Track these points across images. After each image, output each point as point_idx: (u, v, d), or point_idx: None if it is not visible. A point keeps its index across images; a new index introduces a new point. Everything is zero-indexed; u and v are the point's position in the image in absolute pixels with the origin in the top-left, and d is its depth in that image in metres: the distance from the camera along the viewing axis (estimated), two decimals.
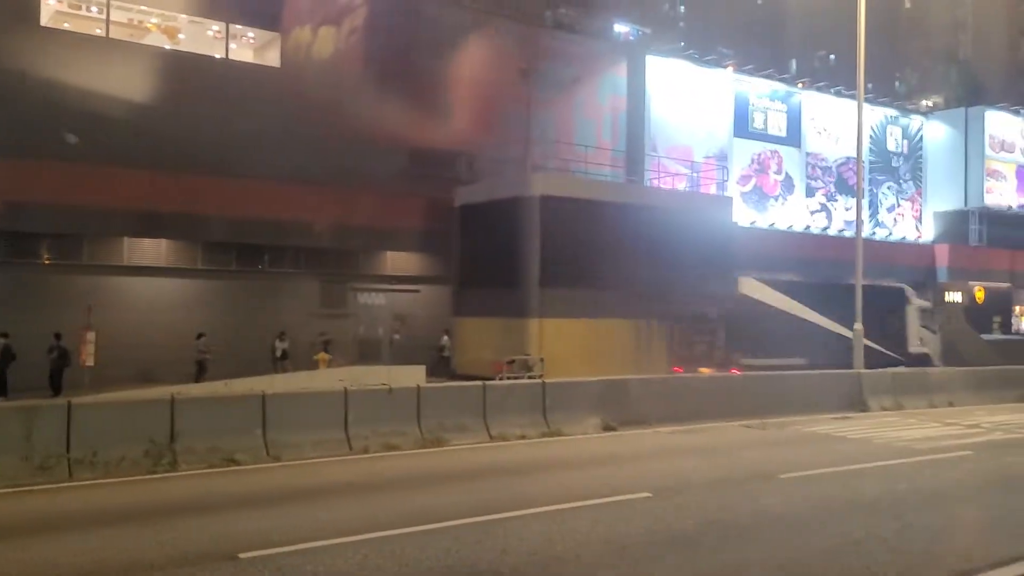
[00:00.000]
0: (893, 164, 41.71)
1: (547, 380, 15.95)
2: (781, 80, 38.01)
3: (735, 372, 22.45)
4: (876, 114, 40.40)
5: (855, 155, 23.56)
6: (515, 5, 31.20)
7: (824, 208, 38.95)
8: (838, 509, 9.16)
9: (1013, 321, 41.73)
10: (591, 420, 14.80)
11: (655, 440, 14.16)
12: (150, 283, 24.28)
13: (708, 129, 35.47)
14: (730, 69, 36.17)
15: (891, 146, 41.67)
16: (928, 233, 42.40)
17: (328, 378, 19.51)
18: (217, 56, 25.31)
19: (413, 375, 18.79)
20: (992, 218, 42.14)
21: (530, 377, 20.85)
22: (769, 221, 36.78)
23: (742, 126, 36.50)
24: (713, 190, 32.12)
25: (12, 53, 22.23)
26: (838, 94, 38.81)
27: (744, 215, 34.87)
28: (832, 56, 43.81)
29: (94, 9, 24.06)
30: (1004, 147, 42.40)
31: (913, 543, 7.78)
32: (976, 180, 41.37)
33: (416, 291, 28.46)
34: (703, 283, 25.80)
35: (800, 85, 38.56)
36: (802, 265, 34.74)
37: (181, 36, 25.36)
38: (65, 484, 10.11)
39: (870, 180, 39.79)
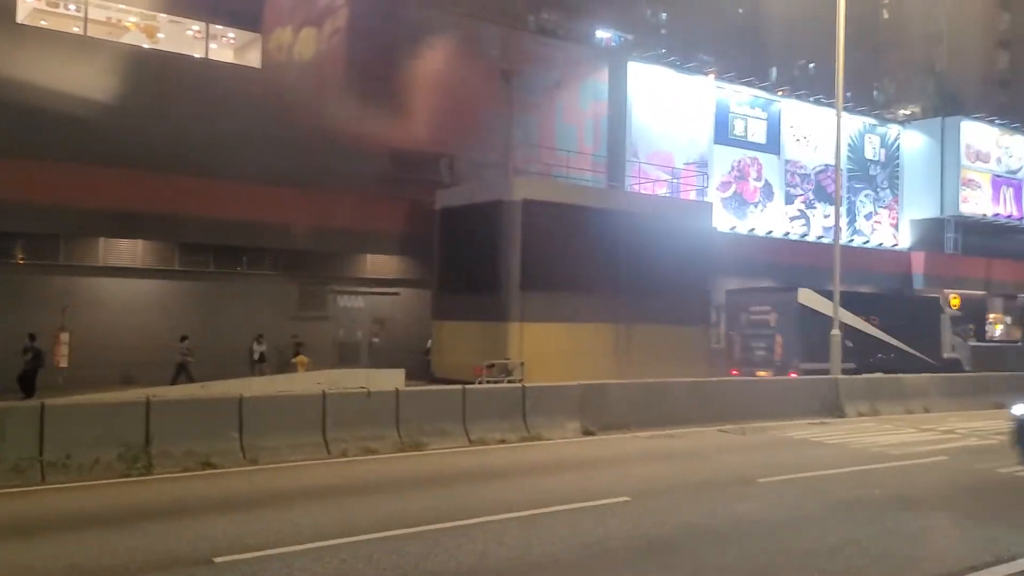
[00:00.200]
0: (871, 172, 42.08)
1: (527, 384, 15.92)
2: (761, 88, 38.27)
3: (792, 375, 23.48)
4: (854, 123, 40.74)
5: (833, 163, 23.86)
6: (498, 9, 31.27)
7: (803, 215, 39.22)
8: (815, 514, 9.20)
9: (987, 328, 42.17)
10: (571, 424, 14.79)
11: (634, 444, 14.17)
12: (126, 284, 24.04)
13: (689, 135, 35.63)
14: (711, 76, 36.37)
15: (869, 154, 42.03)
16: (905, 241, 42.80)
17: (306, 381, 19.41)
18: (197, 56, 25.14)
19: (392, 378, 18.71)
20: (967, 227, 42.61)
21: (510, 381, 20.81)
22: (749, 227, 36.99)
23: (722, 133, 36.69)
24: (693, 196, 32.25)
25: None
26: (817, 102, 39.12)
27: (724, 221, 35.05)
28: (812, 65, 44.31)
29: (72, 7, 23.83)
30: (979, 157, 42.88)
31: (890, 547, 7.82)
32: (952, 189, 41.81)
33: (396, 294, 28.37)
34: (683, 288, 26.00)
35: (780, 93, 38.83)
36: (781, 271, 34.97)
37: (160, 35, 25.17)
38: (38, 487, 9.97)
39: (848, 188, 40.11)
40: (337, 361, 25.85)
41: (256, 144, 24.50)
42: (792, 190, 38.90)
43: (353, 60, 27.08)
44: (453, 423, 13.55)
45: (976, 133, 42.94)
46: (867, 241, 41.39)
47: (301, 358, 23.59)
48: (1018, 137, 45.04)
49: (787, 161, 38.76)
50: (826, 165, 39.02)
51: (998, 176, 43.74)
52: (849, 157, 40.08)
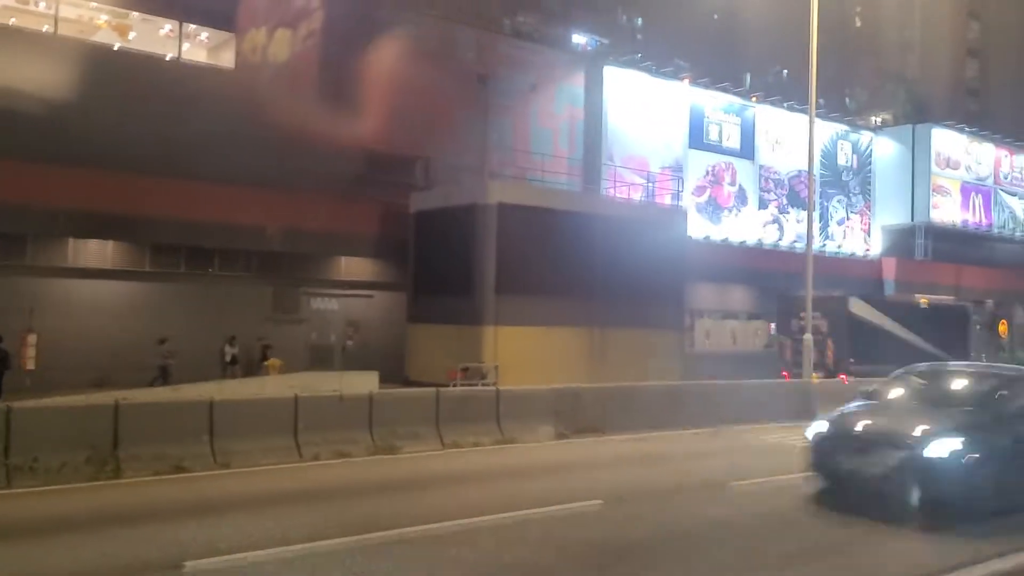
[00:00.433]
0: (843, 178, 42.50)
1: (501, 388, 15.89)
2: (736, 93, 38.53)
3: (842, 378, 24.18)
4: (827, 129, 41.12)
5: (807, 169, 24.14)
6: (473, 12, 31.23)
7: (776, 220, 39.53)
8: (789, 517, 9.25)
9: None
10: (545, 428, 14.78)
11: (608, 448, 14.19)
12: (96, 286, 23.71)
13: (664, 140, 35.79)
14: (686, 81, 36.56)
15: (841, 161, 42.46)
16: (876, 247, 43.26)
17: (279, 384, 19.23)
18: (170, 56, 24.90)
19: (366, 382, 18.58)
20: (938, 233, 43.14)
21: (484, 384, 20.78)
22: (723, 232, 37.22)
23: (697, 138, 36.90)
24: (668, 201, 32.39)
25: None
26: (791, 109, 39.44)
27: (699, 226, 35.24)
28: (785, 71, 44.65)
29: (42, 5, 23.53)
30: (950, 164, 43.47)
31: (864, 550, 7.87)
32: (923, 196, 42.34)
33: (370, 296, 28.24)
34: (658, 292, 26.14)
35: (754, 99, 39.11)
36: (755, 276, 35.29)
37: (132, 34, 24.90)
38: (4, 491, 9.79)
39: (821, 194, 40.46)
40: (311, 364, 25.67)
41: (229, 145, 24.25)
42: (766, 195, 39.20)
43: (328, 62, 26.92)
44: (427, 427, 13.49)
45: (946, 141, 43.54)
46: (839, 247, 41.80)
47: (273, 361, 23.39)
48: (987, 145, 45.74)
49: (761, 166, 39.06)
50: (800, 171, 39.35)
51: (967, 183, 44.38)
52: (822, 163, 40.46)
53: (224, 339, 23.67)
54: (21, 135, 21.47)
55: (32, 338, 21.09)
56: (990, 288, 43.21)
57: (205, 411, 11.65)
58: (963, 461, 8.83)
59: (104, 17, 24.54)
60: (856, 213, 43.00)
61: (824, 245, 40.30)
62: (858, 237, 42.97)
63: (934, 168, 42.42)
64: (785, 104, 39.54)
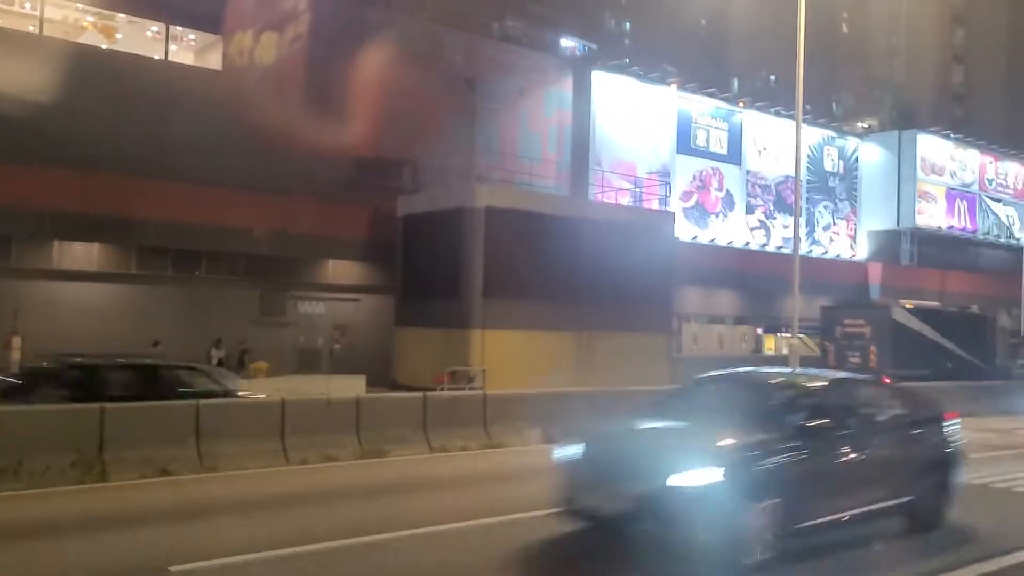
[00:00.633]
0: (830, 184, 42.74)
1: (489, 392, 15.88)
2: (723, 99, 38.71)
3: (886, 380, 24.47)
4: (814, 135, 41.35)
5: (793, 174, 24.29)
6: (462, 16, 31.24)
7: (763, 225, 39.70)
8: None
9: None
10: (532, 432, 14.76)
11: None
12: (82, 288, 23.57)
13: (652, 145, 35.90)
14: (674, 87, 36.70)
15: (828, 166, 42.70)
16: (862, 252, 43.51)
17: (266, 388, 19.14)
18: (156, 57, 24.80)
19: (353, 385, 18.52)
20: (923, 238, 43.45)
21: (471, 388, 20.76)
22: (710, 237, 37.36)
23: (685, 143, 37.04)
24: (656, 205, 32.50)
25: None
26: (778, 114, 39.65)
27: (686, 230, 35.35)
28: (773, 77, 44.93)
29: (27, 5, 23.41)
30: (935, 170, 43.78)
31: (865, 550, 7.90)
32: (908, 201, 42.62)
33: (357, 300, 28.17)
34: (645, 296, 26.20)
35: (741, 104, 39.30)
36: (742, 280, 35.43)
37: (119, 36, 24.81)
38: None
39: (807, 199, 40.67)
40: (298, 367, 25.58)
41: (216, 147, 24.21)
42: (753, 200, 39.37)
43: (315, 65, 26.86)
44: (414, 430, 13.46)
45: (932, 146, 43.86)
46: (825, 252, 42.02)
47: (260, 364, 23.29)
48: (972, 151, 46.10)
49: (748, 172, 39.23)
50: (786, 176, 39.54)
51: (952, 189, 44.70)
52: (809, 169, 40.66)
53: (210, 342, 23.57)
54: (5, 136, 21.34)
55: (17, 341, 20.93)
56: (975, 293, 43.48)
57: (192, 414, 11.60)
58: (726, 495, 6.80)
59: (90, 18, 24.43)
60: (842, 219, 43.25)
61: (810, 250, 40.49)
62: (844, 242, 43.21)
63: (920, 174, 42.71)
64: (772, 110, 39.74)
